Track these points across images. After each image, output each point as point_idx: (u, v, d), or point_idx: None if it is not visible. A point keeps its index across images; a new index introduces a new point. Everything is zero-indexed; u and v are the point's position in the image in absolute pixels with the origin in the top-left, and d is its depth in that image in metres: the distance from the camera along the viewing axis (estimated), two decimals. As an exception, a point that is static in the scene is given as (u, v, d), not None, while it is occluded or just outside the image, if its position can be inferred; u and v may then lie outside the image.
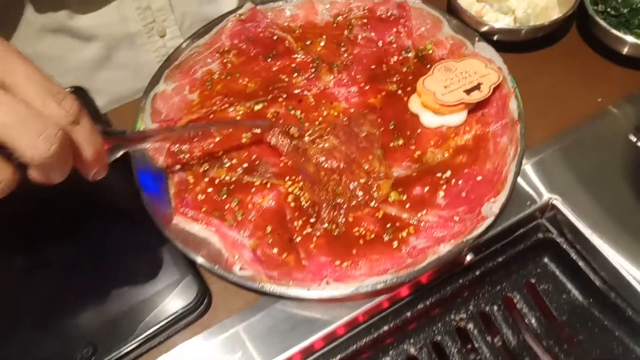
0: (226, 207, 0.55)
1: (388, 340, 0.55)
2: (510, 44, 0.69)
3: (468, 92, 0.59)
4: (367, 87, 0.64)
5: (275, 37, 0.69)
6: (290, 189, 0.56)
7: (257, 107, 0.63)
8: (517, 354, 0.55)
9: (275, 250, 0.53)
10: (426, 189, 0.56)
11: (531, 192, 0.58)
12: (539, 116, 0.62)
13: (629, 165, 0.60)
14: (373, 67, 0.66)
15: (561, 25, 0.69)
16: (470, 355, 0.55)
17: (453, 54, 0.66)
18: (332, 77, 0.65)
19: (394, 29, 0.68)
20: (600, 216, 0.56)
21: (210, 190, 0.57)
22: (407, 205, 0.55)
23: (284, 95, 0.63)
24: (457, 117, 0.60)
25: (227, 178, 0.57)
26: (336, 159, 0.57)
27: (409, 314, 0.55)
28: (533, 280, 0.59)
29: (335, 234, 0.54)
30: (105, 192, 0.56)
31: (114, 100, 0.76)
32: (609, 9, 0.68)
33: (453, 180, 0.56)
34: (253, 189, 0.56)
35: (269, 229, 0.54)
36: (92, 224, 0.57)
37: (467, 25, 0.67)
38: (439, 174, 0.57)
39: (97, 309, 0.51)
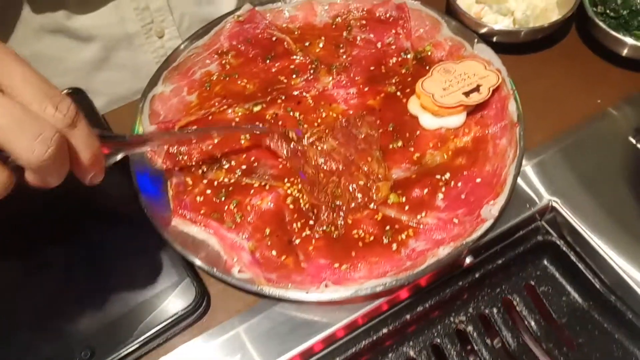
0: (225, 209, 0.55)
1: (387, 342, 0.55)
2: (510, 46, 0.69)
3: (467, 94, 0.59)
4: (366, 89, 0.64)
5: (274, 39, 0.68)
6: (289, 191, 0.56)
7: (256, 109, 0.62)
8: (516, 356, 0.54)
9: (274, 253, 0.52)
10: (425, 191, 0.55)
11: (531, 194, 0.58)
12: (538, 118, 0.62)
13: (629, 167, 0.60)
14: (372, 68, 0.66)
15: (560, 26, 0.69)
16: (469, 357, 0.55)
17: (452, 55, 0.65)
18: (330, 78, 0.65)
19: (393, 31, 0.68)
20: (600, 218, 0.56)
21: (208, 192, 0.56)
22: (406, 208, 0.55)
23: (283, 97, 0.63)
24: (456, 119, 0.60)
25: (226, 180, 0.57)
26: (335, 161, 0.57)
27: (408, 316, 0.55)
28: (533, 283, 0.59)
29: (334, 236, 0.53)
30: (103, 194, 0.55)
31: (113, 101, 0.76)
32: (608, 11, 0.68)
33: (452, 183, 0.56)
34: (252, 191, 0.56)
35: (267, 231, 0.54)
36: (90, 225, 0.57)
37: (466, 27, 0.67)
38: (438, 176, 0.56)
39: (95, 312, 0.51)
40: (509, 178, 0.55)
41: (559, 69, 0.69)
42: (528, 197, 0.57)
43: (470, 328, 0.56)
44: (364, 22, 0.69)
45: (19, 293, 0.53)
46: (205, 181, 0.57)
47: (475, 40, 0.65)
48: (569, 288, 0.58)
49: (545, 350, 0.54)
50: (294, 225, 0.54)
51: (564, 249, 0.57)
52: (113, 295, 0.52)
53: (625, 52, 0.66)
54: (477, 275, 0.57)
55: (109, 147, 0.43)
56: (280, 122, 0.61)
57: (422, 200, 0.55)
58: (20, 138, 0.34)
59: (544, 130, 0.62)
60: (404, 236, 0.53)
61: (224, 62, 0.67)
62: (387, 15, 0.70)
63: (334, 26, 0.70)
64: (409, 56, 0.66)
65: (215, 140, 0.60)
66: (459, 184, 0.56)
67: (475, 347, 0.55)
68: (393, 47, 0.67)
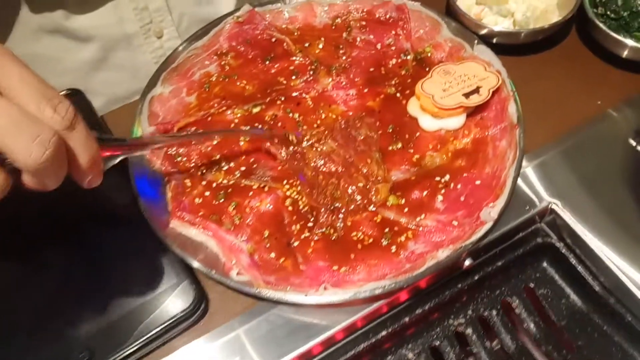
0: (223, 210, 0.55)
1: (386, 345, 0.55)
2: (510, 47, 0.69)
3: (467, 95, 0.59)
4: (365, 90, 0.64)
5: (273, 40, 0.68)
6: (288, 193, 0.56)
7: (255, 110, 0.62)
8: (515, 359, 0.54)
9: (272, 255, 0.52)
10: (425, 193, 0.55)
11: (530, 196, 0.58)
12: (538, 120, 0.61)
13: (629, 169, 0.59)
14: (372, 69, 0.66)
15: (561, 28, 0.69)
16: (468, 360, 0.55)
17: (452, 56, 0.65)
18: (330, 79, 0.65)
19: (393, 32, 0.68)
20: (599, 220, 0.56)
21: (207, 193, 0.56)
22: (406, 210, 0.54)
23: (282, 98, 0.63)
24: (456, 121, 0.60)
25: (225, 181, 0.57)
26: (334, 163, 0.57)
27: (407, 318, 0.55)
28: (532, 285, 0.58)
29: (333, 238, 0.53)
30: (102, 196, 0.55)
31: (111, 102, 0.75)
32: (608, 12, 0.68)
33: (452, 185, 0.56)
34: (251, 193, 0.56)
35: (266, 233, 0.53)
36: (89, 227, 0.56)
37: (466, 28, 0.67)
38: (437, 178, 0.56)
39: (94, 314, 0.51)
40: (509, 180, 0.55)
41: (559, 70, 0.69)
42: (528, 199, 0.57)
43: (469, 330, 0.56)
44: (363, 23, 0.69)
45: (18, 294, 0.53)
46: (204, 183, 0.57)
47: (475, 41, 0.65)
48: (568, 290, 0.58)
49: (545, 353, 0.54)
50: (293, 227, 0.54)
51: (564, 251, 0.57)
52: (112, 297, 0.52)
53: (625, 53, 0.66)
54: (476, 278, 0.57)
55: (107, 150, 0.43)
56: (279, 124, 0.61)
57: (421, 202, 0.55)
58: (17, 140, 0.34)
59: (544, 131, 0.62)
60: (403, 238, 0.53)
61: (223, 63, 0.67)
62: (387, 16, 0.69)
63: (333, 27, 0.70)
64: (408, 57, 0.66)
65: (214, 142, 0.59)
66: (459, 186, 0.56)
67: (474, 350, 0.55)
68: (393, 48, 0.67)
